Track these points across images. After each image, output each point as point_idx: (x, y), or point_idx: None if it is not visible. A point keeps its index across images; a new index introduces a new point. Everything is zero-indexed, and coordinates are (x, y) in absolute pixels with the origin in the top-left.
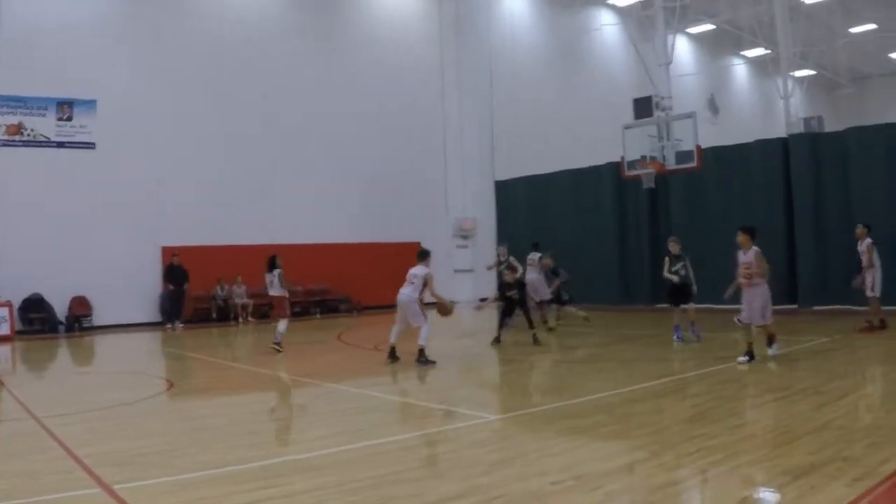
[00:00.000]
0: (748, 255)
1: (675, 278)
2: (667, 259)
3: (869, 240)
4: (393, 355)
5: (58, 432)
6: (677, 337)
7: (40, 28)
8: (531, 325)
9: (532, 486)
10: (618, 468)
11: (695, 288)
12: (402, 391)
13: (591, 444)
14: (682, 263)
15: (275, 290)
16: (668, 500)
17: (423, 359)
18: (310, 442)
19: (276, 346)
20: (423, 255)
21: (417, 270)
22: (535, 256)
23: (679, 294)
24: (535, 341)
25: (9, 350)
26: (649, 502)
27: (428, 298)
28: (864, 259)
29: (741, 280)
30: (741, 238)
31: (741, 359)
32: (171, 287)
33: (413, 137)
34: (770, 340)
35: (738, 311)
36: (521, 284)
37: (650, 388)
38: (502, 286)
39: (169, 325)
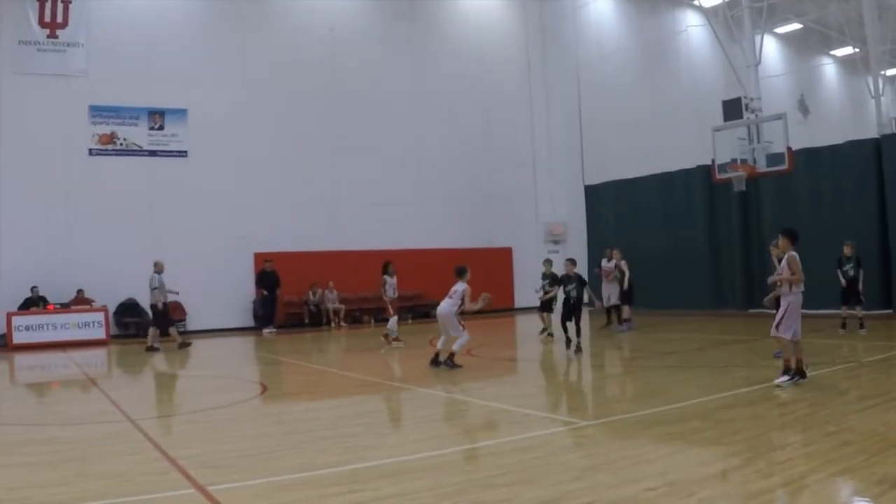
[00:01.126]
0: (784, 260)
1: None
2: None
3: None
4: (436, 362)
5: (152, 434)
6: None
7: (131, 39)
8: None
9: (625, 492)
10: (712, 475)
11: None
12: (493, 396)
13: (685, 451)
14: (851, 265)
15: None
16: None
17: (449, 362)
18: (400, 446)
19: (385, 338)
20: (461, 272)
21: (458, 287)
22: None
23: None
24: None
25: (104, 353)
26: None
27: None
28: None
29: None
30: (781, 242)
31: (779, 380)
32: (264, 292)
33: (502, 143)
34: (785, 367)
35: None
36: (581, 282)
37: (744, 395)
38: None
39: (266, 330)
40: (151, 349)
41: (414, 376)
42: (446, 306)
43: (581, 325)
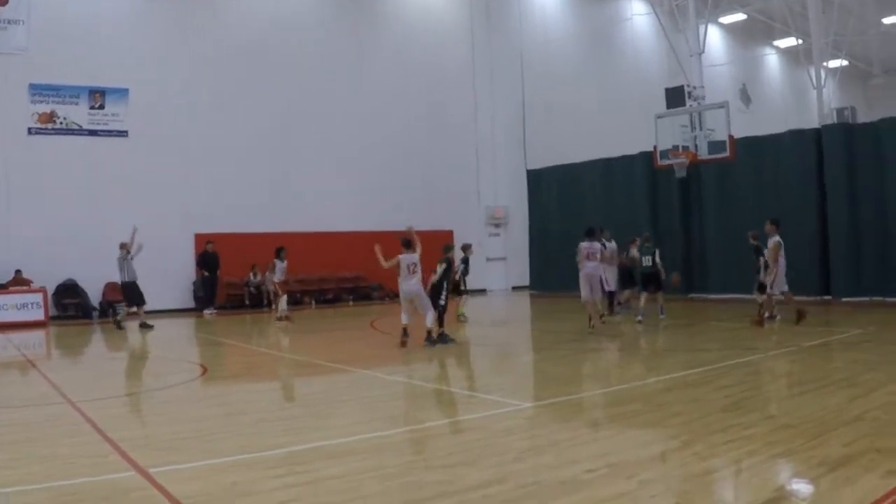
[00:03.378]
0: None
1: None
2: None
3: (777, 238)
4: (406, 334)
5: (92, 416)
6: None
7: (72, 17)
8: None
9: (566, 473)
10: (652, 457)
11: None
12: (434, 378)
13: (626, 433)
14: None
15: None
16: (702, 489)
17: (431, 338)
18: (341, 428)
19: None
20: (407, 244)
21: (413, 258)
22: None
23: None
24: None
25: (43, 335)
26: (683, 491)
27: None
28: (770, 256)
29: None
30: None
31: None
32: (205, 273)
33: (445, 127)
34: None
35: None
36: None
37: (684, 378)
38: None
39: (207, 311)
40: (144, 326)
41: (355, 358)
42: (416, 284)
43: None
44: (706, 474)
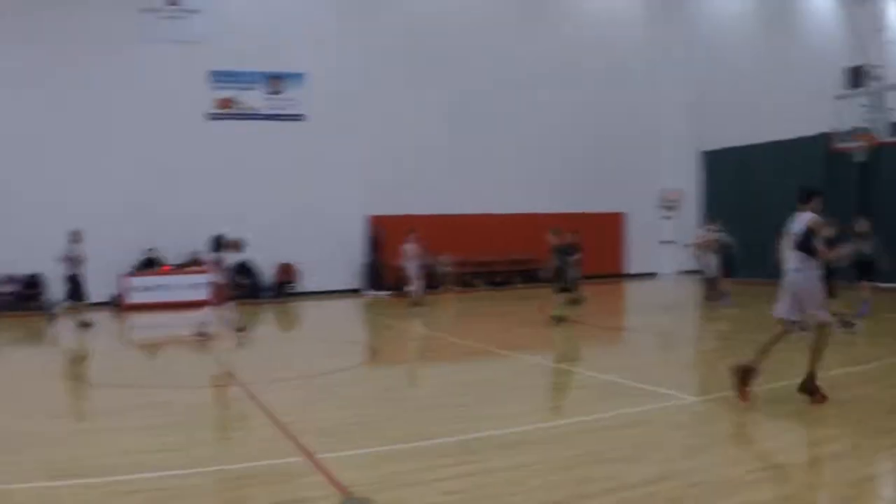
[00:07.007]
0: None
1: None
2: None
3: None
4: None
5: (262, 399)
6: None
7: (249, 5)
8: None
9: (728, 473)
10: (815, 458)
11: None
12: (602, 368)
13: (790, 432)
14: None
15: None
16: (865, 495)
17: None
18: (509, 417)
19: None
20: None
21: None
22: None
23: None
24: None
25: (217, 315)
26: (845, 497)
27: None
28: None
29: None
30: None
31: None
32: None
33: (618, 109)
34: None
35: None
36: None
37: (856, 373)
38: None
39: (373, 292)
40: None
41: (522, 344)
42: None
43: None
44: (870, 479)
